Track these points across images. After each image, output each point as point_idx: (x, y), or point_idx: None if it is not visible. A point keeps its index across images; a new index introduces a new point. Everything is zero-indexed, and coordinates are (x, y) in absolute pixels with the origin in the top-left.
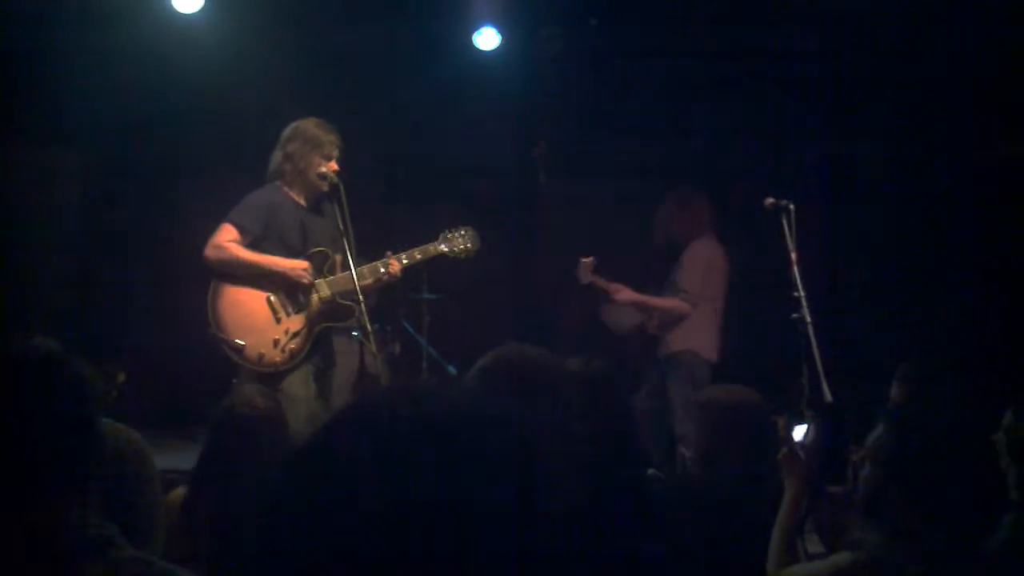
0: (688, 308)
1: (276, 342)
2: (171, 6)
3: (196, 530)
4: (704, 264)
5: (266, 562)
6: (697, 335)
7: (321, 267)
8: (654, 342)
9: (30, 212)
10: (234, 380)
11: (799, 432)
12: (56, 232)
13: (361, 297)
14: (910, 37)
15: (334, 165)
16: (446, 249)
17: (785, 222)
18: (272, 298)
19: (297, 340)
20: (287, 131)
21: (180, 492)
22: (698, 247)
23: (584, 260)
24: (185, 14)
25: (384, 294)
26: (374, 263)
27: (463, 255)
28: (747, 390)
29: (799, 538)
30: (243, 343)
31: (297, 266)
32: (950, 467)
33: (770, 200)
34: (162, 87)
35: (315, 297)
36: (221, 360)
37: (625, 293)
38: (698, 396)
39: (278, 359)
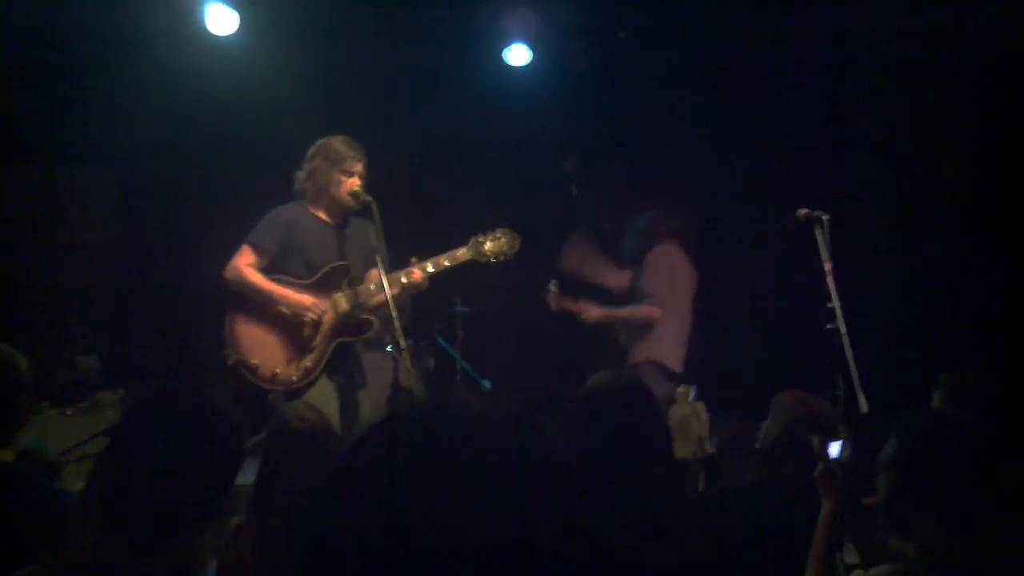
0: (657, 312)
1: (290, 360)
2: (205, 28)
3: (265, 549)
4: (667, 268)
5: (309, 566)
6: (660, 345)
7: (340, 281)
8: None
9: (65, 230)
10: (269, 396)
11: (835, 448)
12: (88, 251)
13: (394, 311)
14: (939, 48)
15: (356, 181)
16: (476, 254)
17: (819, 233)
18: (287, 317)
19: (312, 357)
20: (312, 149)
21: (237, 520)
22: (659, 252)
23: (552, 289)
24: (220, 36)
25: (417, 309)
26: (395, 273)
27: (501, 258)
28: (821, 402)
29: (836, 553)
30: (257, 362)
31: (303, 303)
32: (972, 472)
33: (804, 211)
34: (196, 108)
35: (331, 313)
36: (245, 380)
37: (593, 312)
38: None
39: (293, 377)
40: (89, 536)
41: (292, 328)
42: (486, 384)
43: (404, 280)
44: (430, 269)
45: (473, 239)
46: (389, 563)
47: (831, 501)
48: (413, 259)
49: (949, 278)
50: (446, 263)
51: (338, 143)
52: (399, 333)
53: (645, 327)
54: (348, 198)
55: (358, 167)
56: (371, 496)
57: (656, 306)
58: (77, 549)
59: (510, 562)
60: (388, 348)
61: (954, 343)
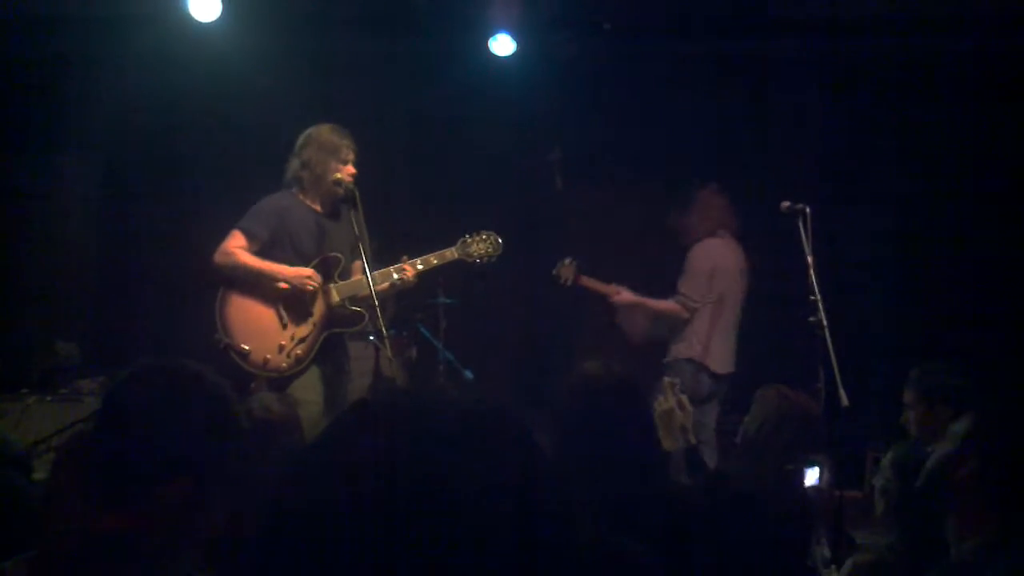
0: (683, 312)
1: (281, 347)
2: (189, 14)
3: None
4: (706, 267)
5: (273, 558)
6: (698, 343)
7: (332, 272)
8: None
9: (45, 217)
10: (252, 384)
11: (813, 475)
12: (70, 237)
13: (376, 301)
14: (921, 37)
15: (351, 168)
16: (463, 254)
17: (801, 226)
18: (279, 304)
19: (303, 346)
20: (301, 138)
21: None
22: (700, 249)
23: (564, 261)
24: (203, 22)
25: (400, 300)
26: (387, 268)
27: (485, 259)
28: (803, 396)
29: (817, 547)
30: (248, 348)
31: (301, 274)
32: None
33: (786, 204)
34: (179, 94)
35: (323, 303)
36: (233, 365)
37: (624, 295)
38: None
39: (283, 364)
40: (60, 524)
41: (284, 314)
42: (468, 374)
43: (396, 276)
44: (420, 267)
45: (461, 240)
46: (352, 550)
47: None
48: (404, 257)
49: (931, 272)
50: (435, 262)
51: (329, 132)
52: (381, 322)
53: (680, 324)
54: (336, 187)
55: (352, 155)
56: (337, 483)
57: (685, 306)
58: (60, 537)
59: (479, 556)
60: (371, 338)
61: (934, 337)
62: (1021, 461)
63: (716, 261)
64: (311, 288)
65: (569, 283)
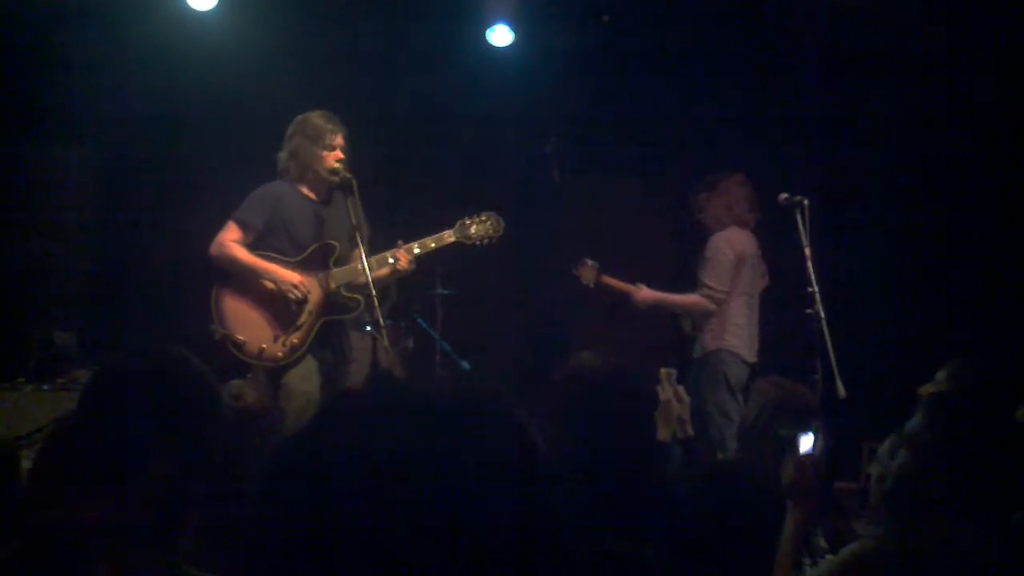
0: (710, 304)
1: (276, 336)
2: (186, 4)
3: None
4: (731, 256)
5: (260, 547)
6: (731, 334)
7: (327, 260)
8: (691, 343)
9: (44, 209)
10: (248, 375)
11: (807, 442)
12: (67, 226)
13: (373, 290)
14: (920, 27)
15: (338, 154)
16: (461, 236)
17: (799, 218)
18: (274, 293)
19: (298, 334)
20: (290, 127)
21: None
22: (721, 238)
23: (588, 262)
24: (199, 11)
25: (400, 289)
26: (383, 254)
27: (485, 240)
28: (800, 387)
29: (813, 537)
30: (244, 338)
31: (289, 280)
32: (991, 452)
33: (784, 196)
34: (176, 84)
35: (319, 290)
36: (230, 356)
37: (644, 293)
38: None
39: (279, 354)
40: (45, 513)
41: (279, 304)
42: (465, 365)
43: (391, 261)
44: (417, 251)
45: (459, 222)
46: (340, 538)
47: (800, 513)
48: (399, 241)
49: (930, 264)
50: (432, 245)
51: (316, 118)
52: (379, 312)
53: (707, 315)
54: (330, 175)
55: (339, 140)
56: (323, 472)
57: (712, 298)
58: (45, 527)
59: (472, 543)
60: (368, 328)
61: (932, 329)
62: (985, 464)
63: (739, 250)
64: (294, 298)
65: (592, 286)
